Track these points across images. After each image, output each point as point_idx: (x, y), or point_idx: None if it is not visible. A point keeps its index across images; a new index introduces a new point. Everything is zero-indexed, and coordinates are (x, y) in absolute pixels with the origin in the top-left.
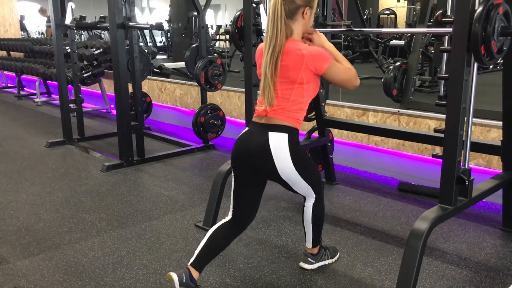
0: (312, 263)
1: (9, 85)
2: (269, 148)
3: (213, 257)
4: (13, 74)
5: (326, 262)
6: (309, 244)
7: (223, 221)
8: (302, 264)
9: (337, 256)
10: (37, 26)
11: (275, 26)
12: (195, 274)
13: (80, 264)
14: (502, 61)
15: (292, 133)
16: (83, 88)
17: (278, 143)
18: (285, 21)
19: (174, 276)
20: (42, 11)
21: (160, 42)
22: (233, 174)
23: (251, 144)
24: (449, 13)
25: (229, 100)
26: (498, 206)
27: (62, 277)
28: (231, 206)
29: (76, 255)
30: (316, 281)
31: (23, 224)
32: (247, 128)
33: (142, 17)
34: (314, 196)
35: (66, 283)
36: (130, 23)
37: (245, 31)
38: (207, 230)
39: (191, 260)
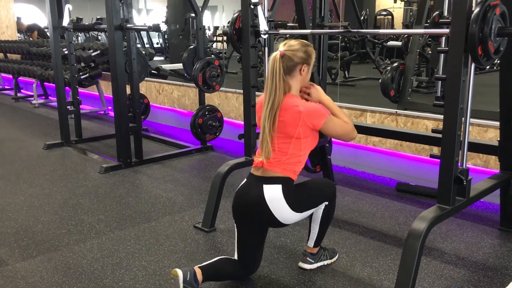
0: (311, 263)
1: (6, 87)
2: (266, 202)
3: (216, 279)
4: (10, 76)
5: (325, 262)
6: (311, 243)
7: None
8: (301, 264)
9: (336, 257)
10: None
11: (274, 82)
12: (199, 276)
13: (79, 266)
14: (499, 61)
15: (286, 183)
16: (80, 90)
17: (273, 195)
18: (283, 78)
19: (179, 272)
20: (19, 24)
21: (158, 43)
22: (235, 224)
23: (248, 197)
24: (446, 14)
25: (227, 102)
26: (496, 205)
27: (61, 279)
28: (236, 252)
29: (75, 257)
30: (315, 281)
31: (21, 226)
32: (245, 180)
33: (139, 19)
34: (327, 202)
35: (65, 285)
36: (128, 25)
37: (243, 32)
38: (206, 232)
39: (201, 264)
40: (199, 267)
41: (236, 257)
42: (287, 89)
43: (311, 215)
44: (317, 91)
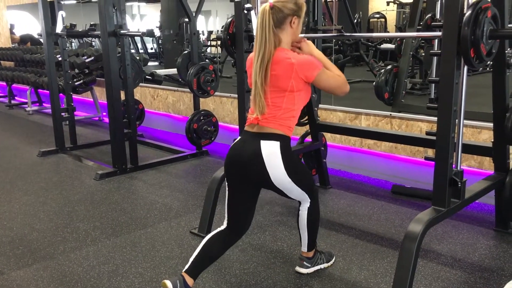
0: (308, 267)
1: (0, 94)
2: (262, 156)
3: (208, 265)
4: (4, 83)
5: (322, 266)
6: (304, 248)
7: (218, 229)
8: (298, 268)
9: (333, 260)
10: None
11: (264, 35)
12: (189, 281)
13: (75, 274)
14: (491, 63)
15: (284, 140)
16: (74, 96)
17: (271, 151)
18: (273, 30)
19: (168, 283)
20: (13, 38)
21: (152, 49)
22: (226, 183)
23: (243, 153)
24: (438, 16)
25: (222, 106)
26: (491, 207)
27: (57, 287)
28: (226, 215)
29: (71, 265)
30: (312, 286)
31: (16, 235)
32: (239, 137)
33: (133, 24)
34: (309, 200)
35: None
36: (122, 31)
37: (236, 37)
38: (203, 237)
39: (186, 267)
40: (185, 271)
41: (225, 223)
42: (278, 42)
43: (297, 222)
44: (308, 45)
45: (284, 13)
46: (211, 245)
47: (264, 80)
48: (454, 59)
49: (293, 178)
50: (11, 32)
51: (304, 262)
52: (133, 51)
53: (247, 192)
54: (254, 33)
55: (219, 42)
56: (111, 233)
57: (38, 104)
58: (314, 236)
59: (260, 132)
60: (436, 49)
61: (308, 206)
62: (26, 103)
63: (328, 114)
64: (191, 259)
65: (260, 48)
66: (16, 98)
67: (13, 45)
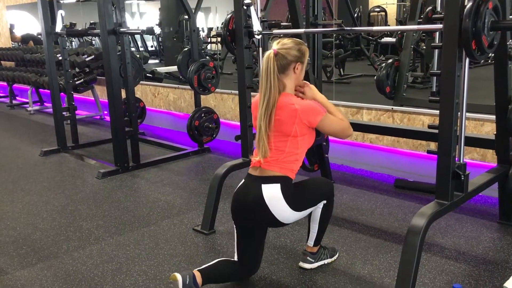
0: (311, 262)
1: (1, 94)
2: (264, 201)
3: (216, 281)
4: (5, 83)
5: (326, 261)
6: (311, 242)
7: (233, 259)
8: (301, 264)
9: (336, 255)
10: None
11: (269, 81)
12: (199, 279)
13: (79, 273)
14: (493, 55)
15: (285, 181)
16: (75, 95)
17: (272, 195)
18: (277, 76)
19: (178, 276)
20: (13, 37)
21: (152, 46)
22: (234, 226)
23: (246, 198)
24: (439, 9)
25: (223, 103)
26: (494, 199)
27: (61, 286)
28: (236, 253)
29: (74, 264)
30: (316, 281)
31: (20, 235)
32: (243, 180)
33: (132, 22)
34: (325, 201)
35: None
36: (121, 29)
37: (236, 33)
38: (206, 234)
39: (201, 267)
40: (198, 270)
41: (236, 258)
42: (282, 87)
43: (310, 214)
44: (311, 89)
45: (288, 59)
46: (224, 265)
47: (268, 125)
48: (455, 51)
49: (301, 209)
50: (11, 32)
51: (308, 258)
52: (133, 49)
53: (255, 234)
54: (257, 28)
55: (219, 39)
56: (114, 231)
57: (39, 103)
58: (323, 231)
59: (261, 175)
60: (437, 41)
61: (325, 203)
62: (27, 103)
63: None
64: (206, 265)
65: (265, 93)
66: (17, 98)
67: (13, 44)
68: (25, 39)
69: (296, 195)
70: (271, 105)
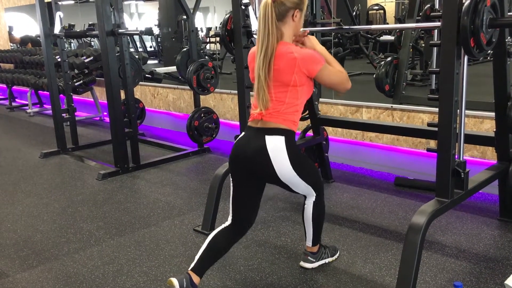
0: (312, 262)
1: (0, 97)
2: (267, 152)
3: (214, 262)
4: (4, 85)
5: (326, 260)
6: (309, 243)
7: (222, 226)
8: (302, 263)
9: (337, 254)
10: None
11: (266, 28)
12: (195, 279)
13: (80, 274)
14: (492, 52)
15: (289, 135)
16: (75, 97)
17: (276, 146)
18: (275, 24)
19: (174, 281)
20: (12, 38)
21: (151, 47)
22: (231, 179)
23: (248, 149)
24: (437, 6)
25: (223, 103)
26: (495, 196)
27: None
28: (230, 211)
29: (75, 266)
30: (317, 280)
31: (20, 237)
32: (243, 133)
33: (131, 23)
34: (315, 194)
35: None
36: (120, 30)
37: (235, 33)
38: (206, 234)
39: (192, 265)
40: (191, 269)
41: (229, 219)
42: (280, 36)
43: (302, 216)
44: (311, 40)
45: (286, 6)
46: (216, 241)
47: (268, 74)
48: (454, 49)
49: (299, 172)
50: (10, 34)
51: (309, 257)
52: (132, 50)
53: (252, 188)
54: (256, 27)
55: (218, 39)
56: (115, 232)
57: (38, 105)
58: (319, 230)
59: (264, 127)
60: (436, 39)
61: (314, 200)
62: (26, 105)
63: (329, 108)
64: (197, 257)
65: (263, 41)
66: (16, 100)
67: (12, 46)
68: (24, 41)
69: (297, 154)
70: (270, 54)
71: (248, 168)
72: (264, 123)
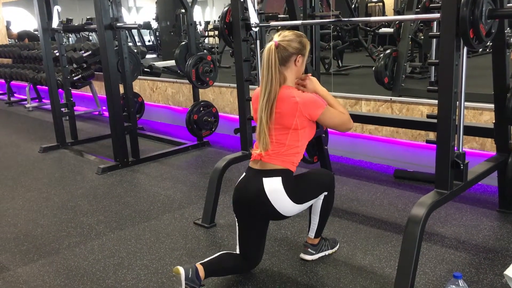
0: (312, 254)
1: None
2: (266, 194)
3: (219, 274)
4: (3, 80)
5: (326, 252)
6: (312, 234)
7: (235, 252)
8: (302, 255)
9: (337, 246)
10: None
11: (270, 73)
12: (202, 273)
13: (81, 268)
14: (491, 43)
15: (286, 175)
16: (74, 91)
17: (273, 188)
18: (278, 68)
19: (181, 270)
20: (10, 34)
21: (149, 41)
22: (236, 219)
23: (247, 192)
24: None
25: (222, 96)
26: (494, 188)
27: (63, 282)
28: (238, 246)
29: (76, 259)
30: (317, 272)
31: (21, 231)
32: (244, 174)
33: (129, 17)
34: (326, 193)
35: None
36: (118, 24)
37: (233, 26)
38: (206, 227)
39: (203, 260)
40: (200, 263)
41: (238, 251)
42: (283, 80)
43: (311, 206)
44: (312, 82)
45: (289, 51)
46: (227, 258)
47: (269, 118)
48: (453, 40)
49: (302, 202)
50: (8, 29)
51: (309, 249)
52: (130, 44)
53: (256, 227)
54: (253, 20)
55: (216, 32)
56: (115, 226)
57: (37, 100)
58: (324, 223)
59: (262, 169)
60: (435, 31)
61: (326, 195)
62: (25, 99)
63: None
64: (209, 258)
65: (267, 86)
66: (15, 95)
67: (10, 41)
68: (21, 36)
69: (297, 188)
70: (272, 98)
71: (250, 210)
72: (263, 164)
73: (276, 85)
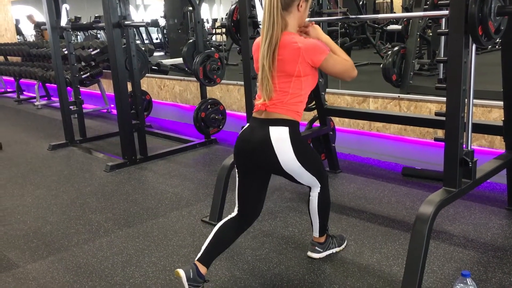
0: (320, 252)
1: (8, 90)
2: (271, 142)
3: (220, 252)
4: (12, 78)
5: (334, 250)
6: (316, 233)
7: (229, 216)
8: (310, 253)
9: (344, 244)
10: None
11: (271, 18)
12: (202, 269)
13: (90, 265)
14: (500, 40)
15: (293, 125)
16: (82, 89)
17: (280, 137)
18: (281, 13)
19: (181, 272)
20: (30, 18)
21: (157, 39)
22: (236, 170)
23: (252, 140)
24: None
25: (229, 94)
26: (503, 186)
27: (72, 279)
28: (236, 202)
29: (85, 256)
30: (324, 270)
31: (30, 228)
32: (247, 124)
33: (137, 15)
34: (319, 186)
35: (76, 284)
36: (126, 22)
37: (241, 24)
38: (214, 225)
39: (198, 255)
40: (198, 260)
41: (236, 210)
42: (284, 26)
43: (308, 207)
44: (315, 29)
45: None
46: (222, 232)
47: (272, 63)
48: (462, 37)
49: (303, 163)
50: (28, 17)
51: (316, 247)
52: (138, 42)
53: (257, 179)
54: (261, 17)
55: (224, 30)
56: (124, 223)
57: (46, 98)
58: (325, 221)
59: (268, 118)
60: (443, 28)
61: (319, 191)
62: (34, 97)
63: (335, 98)
64: (203, 247)
65: (268, 31)
66: (24, 93)
67: (19, 39)
68: (38, 24)
69: (301, 145)
70: (274, 43)
71: (252, 159)
72: (268, 113)
73: (278, 30)
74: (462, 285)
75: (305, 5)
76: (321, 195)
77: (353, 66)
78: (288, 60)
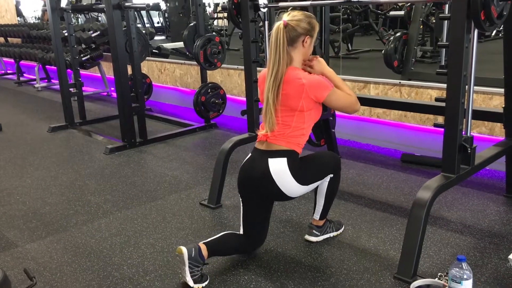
0: (317, 236)
1: (8, 71)
2: (271, 175)
3: (222, 253)
4: (12, 60)
5: (331, 234)
6: (317, 216)
7: (238, 232)
8: (307, 237)
9: (342, 229)
10: (33, 11)
11: (278, 53)
12: (205, 252)
13: (88, 245)
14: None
15: (291, 156)
16: (82, 71)
17: (279, 169)
18: (286, 49)
19: (184, 250)
20: None
21: (158, 23)
22: (240, 199)
23: (253, 171)
24: None
25: (229, 78)
26: (502, 173)
27: (70, 259)
28: (241, 226)
29: (83, 237)
30: (321, 253)
31: (29, 209)
32: (249, 155)
33: None
34: (331, 175)
35: (74, 264)
36: (126, 4)
37: (242, 6)
38: (212, 208)
39: (206, 240)
40: (204, 243)
41: (241, 232)
42: (290, 61)
43: (316, 188)
44: (320, 63)
45: (298, 32)
46: (230, 238)
47: (276, 98)
48: (464, 22)
49: (308, 183)
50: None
51: (314, 231)
52: (139, 25)
53: (261, 208)
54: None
55: (225, 15)
56: (122, 205)
57: (46, 80)
58: (329, 205)
59: (268, 149)
60: (446, 13)
61: (332, 177)
62: (34, 79)
63: None
64: (212, 238)
65: (274, 66)
66: (24, 75)
67: (19, 20)
68: None
69: (302, 169)
70: (279, 78)
71: (255, 190)
72: (269, 145)
73: (283, 65)
74: (457, 269)
75: (309, 40)
76: (332, 180)
77: (356, 100)
78: (292, 95)
